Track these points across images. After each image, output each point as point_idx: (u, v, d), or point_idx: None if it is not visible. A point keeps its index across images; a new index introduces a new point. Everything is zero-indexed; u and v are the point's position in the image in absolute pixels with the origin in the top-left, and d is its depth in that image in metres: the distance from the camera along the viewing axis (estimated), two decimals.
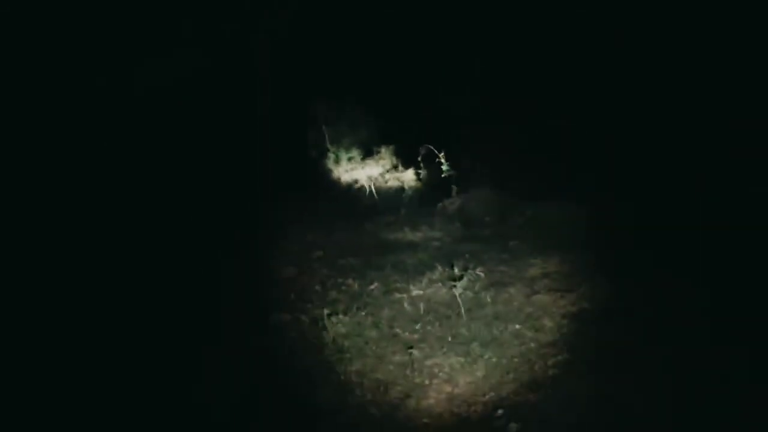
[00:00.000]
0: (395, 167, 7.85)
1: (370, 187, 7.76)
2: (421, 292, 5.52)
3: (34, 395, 4.21)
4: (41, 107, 6.42)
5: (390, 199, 7.41)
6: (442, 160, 7.19)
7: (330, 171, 8.11)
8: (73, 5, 6.75)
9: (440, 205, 7.19)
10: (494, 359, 4.64)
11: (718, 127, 6.36)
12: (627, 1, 7.35)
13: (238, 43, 7.84)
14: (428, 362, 4.66)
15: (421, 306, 5.31)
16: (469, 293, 5.42)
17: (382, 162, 7.91)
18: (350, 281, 5.78)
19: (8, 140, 6.10)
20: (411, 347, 4.79)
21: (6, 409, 4.04)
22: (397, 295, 5.50)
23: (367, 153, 8.17)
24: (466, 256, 6.05)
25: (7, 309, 4.81)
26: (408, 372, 4.58)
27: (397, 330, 5.04)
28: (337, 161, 8.17)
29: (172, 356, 4.73)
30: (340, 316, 5.20)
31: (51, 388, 4.31)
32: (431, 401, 4.31)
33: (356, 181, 7.92)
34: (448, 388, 4.41)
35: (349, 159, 8.16)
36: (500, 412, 4.12)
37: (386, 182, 7.71)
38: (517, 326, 4.96)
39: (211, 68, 7.58)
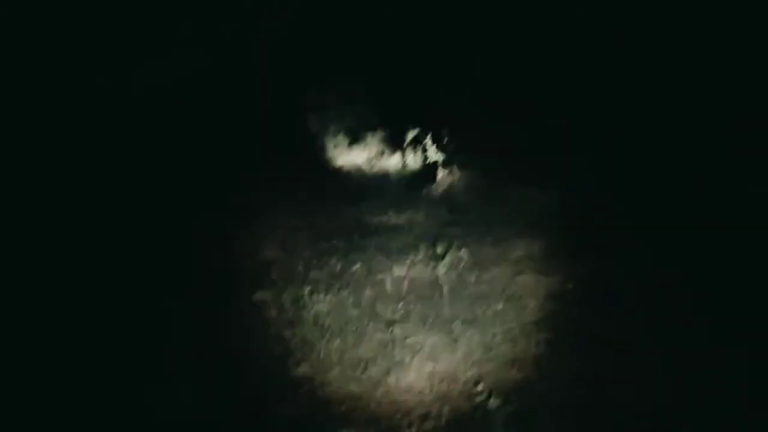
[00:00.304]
0: (381, 153, 7.79)
1: (356, 172, 7.70)
2: (403, 273, 5.48)
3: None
4: (41, 107, 6.36)
5: (375, 184, 7.36)
6: (429, 146, 7.15)
7: (316, 156, 8.03)
8: (73, 5, 6.70)
9: (425, 189, 7.14)
10: (476, 338, 4.61)
11: (718, 127, 6.33)
12: (627, 1, 7.32)
13: (238, 43, 7.81)
14: (409, 340, 4.63)
15: (404, 286, 5.27)
16: (452, 274, 5.39)
17: (368, 148, 7.85)
18: (333, 262, 5.73)
19: (8, 140, 6.03)
20: (392, 325, 4.76)
21: None
22: (380, 276, 5.45)
23: (354, 139, 8.11)
24: (450, 238, 6.01)
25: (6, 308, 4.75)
26: (389, 350, 4.55)
27: (379, 309, 5.00)
28: (323, 147, 8.10)
29: (148, 334, 4.68)
30: (322, 295, 5.16)
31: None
32: (412, 378, 4.29)
33: (342, 167, 7.86)
34: (429, 366, 4.38)
35: (335, 145, 8.09)
36: (480, 387, 4.10)
37: (372, 167, 7.66)
38: (500, 306, 4.94)
39: (211, 68, 7.55)
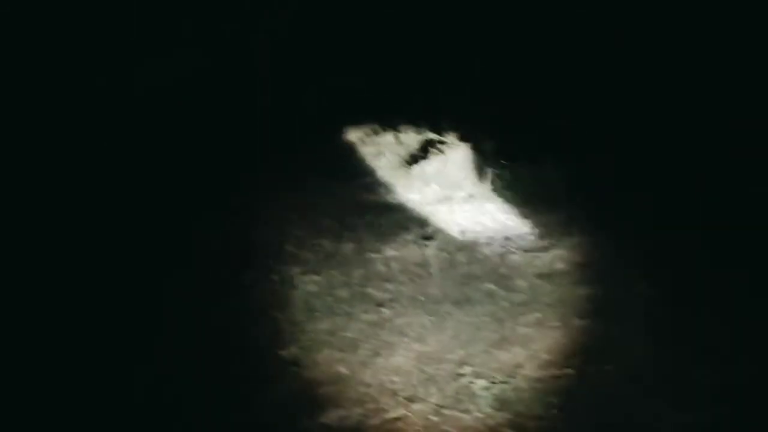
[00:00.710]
0: (374, 131, 7.75)
1: (348, 150, 7.67)
2: (394, 253, 5.46)
3: None
4: (41, 107, 6.35)
5: (368, 163, 7.33)
6: (422, 125, 7.13)
7: (309, 134, 8.00)
8: (73, 5, 6.66)
9: (418, 168, 7.12)
10: (465, 318, 4.62)
11: (718, 127, 6.28)
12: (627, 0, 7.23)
13: (238, 43, 7.79)
14: (398, 321, 4.63)
15: (394, 266, 5.27)
16: (443, 254, 5.39)
17: (361, 126, 7.81)
18: (323, 242, 5.71)
19: (8, 140, 6.03)
20: (381, 306, 4.76)
21: None
22: (370, 255, 5.44)
23: (348, 118, 8.07)
24: (441, 217, 6.00)
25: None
26: (378, 330, 4.55)
27: (369, 289, 5.00)
28: (316, 125, 8.06)
29: (140, 314, 4.69)
30: (312, 276, 5.16)
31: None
32: (400, 359, 4.30)
33: (334, 145, 7.82)
34: (417, 347, 4.39)
35: (328, 123, 8.05)
36: (467, 369, 4.11)
37: (365, 145, 7.62)
38: (489, 286, 4.94)
39: (211, 68, 7.54)
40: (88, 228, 5.67)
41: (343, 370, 4.26)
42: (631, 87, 6.95)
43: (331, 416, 3.90)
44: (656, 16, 7.01)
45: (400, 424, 3.83)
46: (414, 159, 7.26)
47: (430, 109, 7.37)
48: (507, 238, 5.57)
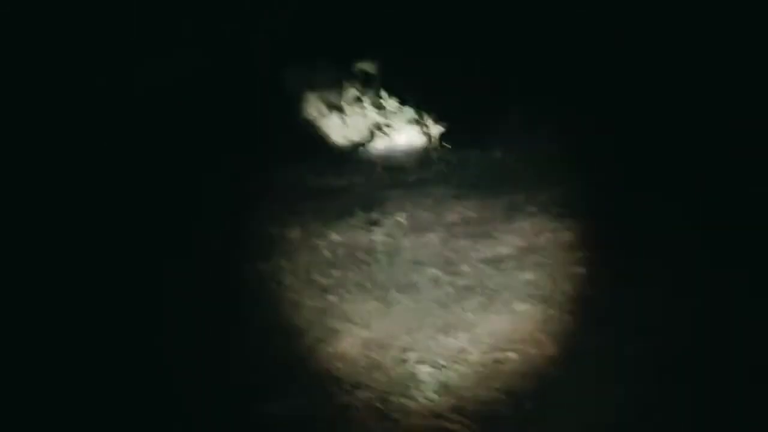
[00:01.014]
0: (320, 112, 7.69)
1: (296, 134, 7.61)
2: (340, 238, 5.46)
3: None
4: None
5: (313, 145, 7.29)
6: (368, 105, 7.11)
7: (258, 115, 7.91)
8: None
9: (364, 151, 7.12)
10: (411, 304, 4.65)
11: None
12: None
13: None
14: (344, 307, 4.64)
15: (340, 252, 5.26)
16: (389, 239, 5.40)
17: (305, 107, 7.75)
18: (269, 228, 5.67)
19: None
20: (327, 292, 4.76)
21: None
22: (316, 241, 5.43)
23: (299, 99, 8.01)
24: (387, 202, 6.01)
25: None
26: (323, 318, 4.55)
27: (315, 276, 4.99)
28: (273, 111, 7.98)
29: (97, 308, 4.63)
30: (257, 262, 5.12)
31: None
32: (346, 346, 4.30)
33: (285, 129, 7.74)
34: (363, 333, 4.39)
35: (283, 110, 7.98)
36: (412, 355, 4.14)
37: (309, 128, 7.57)
38: (435, 271, 4.98)
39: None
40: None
41: (288, 357, 4.24)
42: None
43: (277, 405, 3.89)
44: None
45: (345, 412, 3.84)
46: (360, 142, 7.26)
47: (379, 91, 7.36)
48: (452, 223, 5.62)
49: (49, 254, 5.25)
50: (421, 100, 7.20)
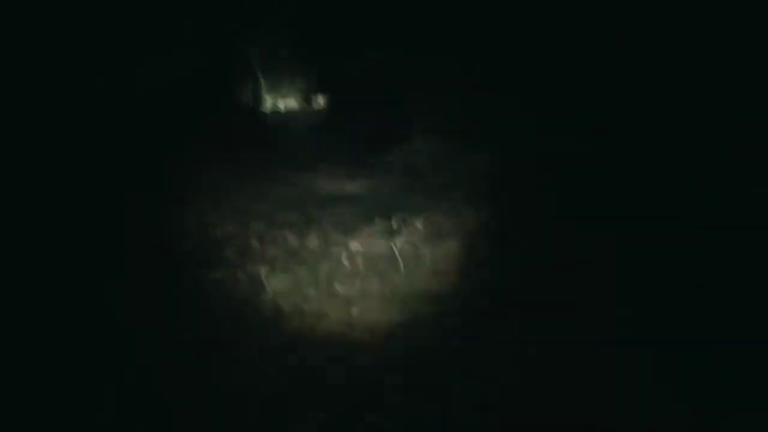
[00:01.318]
0: (335, 118, 7.70)
1: (308, 138, 7.63)
2: (360, 247, 5.47)
3: None
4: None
5: (329, 151, 7.28)
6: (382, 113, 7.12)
7: (267, 122, 7.94)
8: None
9: (381, 156, 7.11)
10: (432, 313, 4.66)
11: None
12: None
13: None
14: (367, 319, 4.66)
15: (360, 261, 5.27)
16: (408, 247, 5.41)
17: (321, 113, 7.77)
18: (288, 237, 5.68)
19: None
20: (350, 305, 4.77)
21: None
22: (336, 251, 5.44)
23: (305, 103, 8.04)
24: (405, 208, 6.00)
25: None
26: (347, 329, 4.57)
27: (336, 287, 5.00)
28: (275, 111, 8.01)
29: (107, 317, 4.64)
30: (279, 274, 5.13)
31: None
32: (370, 358, 4.32)
33: (295, 133, 7.77)
34: (386, 344, 4.42)
35: (286, 109, 8.01)
36: (438, 368, 4.17)
37: (326, 134, 7.58)
38: (455, 279, 4.99)
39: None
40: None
41: (313, 369, 4.27)
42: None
43: (307, 419, 3.92)
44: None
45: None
46: (376, 147, 7.25)
47: (395, 99, 7.35)
48: (471, 230, 5.63)
49: (47, 251, 5.28)
50: (441, 107, 7.18)
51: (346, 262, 5.26)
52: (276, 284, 5.04)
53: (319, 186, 6.66)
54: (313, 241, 5.53)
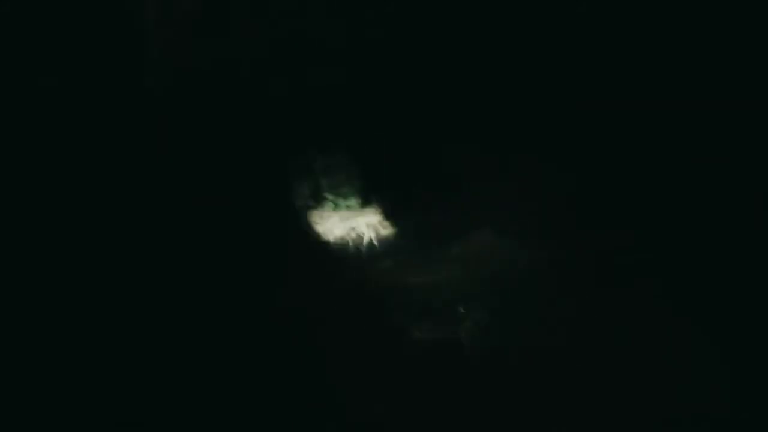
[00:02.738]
0: (394, 214, 7.84)
1: (369, 234, 7.75)
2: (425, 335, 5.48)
3: None
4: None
5: (390, 245, 7.38)
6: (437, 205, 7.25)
7: (329, 220, 8.10)
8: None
9: (441, 249, 7.17)
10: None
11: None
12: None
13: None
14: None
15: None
16: (475, 336, 5.41)
17: (380, 209, 7.92)
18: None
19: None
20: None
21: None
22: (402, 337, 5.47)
23: (365, 200, 8.20)
24: (469, 299, 6.01)
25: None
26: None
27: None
28: (335, 209, 8.18)
29: None
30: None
31: None
32: None
33: (355, 229, 7.90)
34: None
35: (348, 207, 8.18)
36: None
37: (385, 229, 7.70)
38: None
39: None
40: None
41: None
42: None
43: None
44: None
45: None
46: (436, 240, 7.33)
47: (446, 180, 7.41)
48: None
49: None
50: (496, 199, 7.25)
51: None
52: None
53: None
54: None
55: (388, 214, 7.79)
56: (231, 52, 7.20)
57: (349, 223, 7.90)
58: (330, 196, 8.09)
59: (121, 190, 6.12)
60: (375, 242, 7.47)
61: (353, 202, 8.09)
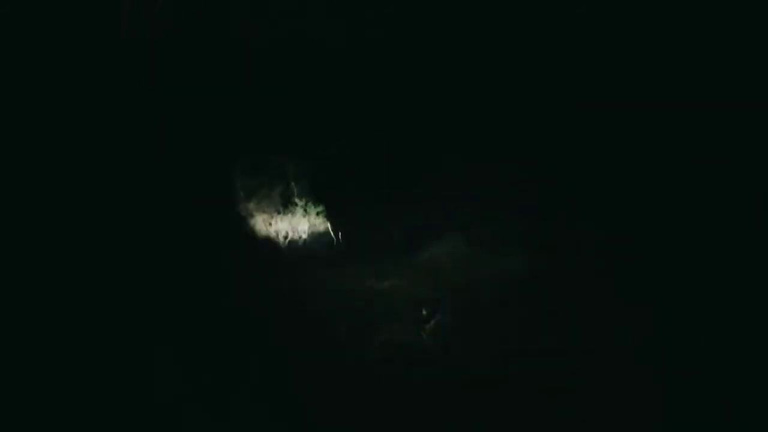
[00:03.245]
0: (364, 219, 7.87)
1: (337, 239, 7.76)
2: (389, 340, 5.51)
3: None
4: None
5: (356, 250, 7.40)
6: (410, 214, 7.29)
7: (298, 224, 8.11)
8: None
9: (408, 255, 7.21)
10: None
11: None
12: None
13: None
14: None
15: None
16: (438, 341, 5.45)
17: (349, 214, 7.94)
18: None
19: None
20: None
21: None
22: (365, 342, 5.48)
23: (335, 207, 8.21)
24: (433, 304, 6.05)
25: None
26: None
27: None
28: (305, 215, 8.18)
29: None
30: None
31: None
32: None
33: (325, 234, 7.91)
34: None
35: (318, 213, 8.19)
36: None
37: (353, 234, 7.72)
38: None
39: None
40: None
41: None
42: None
43: None
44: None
45: None
46: (403, 247, 7.37)
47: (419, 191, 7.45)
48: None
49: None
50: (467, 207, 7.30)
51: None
52: None
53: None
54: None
55: (358, 220, 7.82)
56: (231, 52, 7.31)
57: (317, 229, 7.92)
58: (300, 202, 8.10)
59: (101, 190, 6.17)
60: (343, 247, 7.50)
61: (323, 208, 8.10)
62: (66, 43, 6.36)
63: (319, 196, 8.15)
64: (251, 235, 7.37)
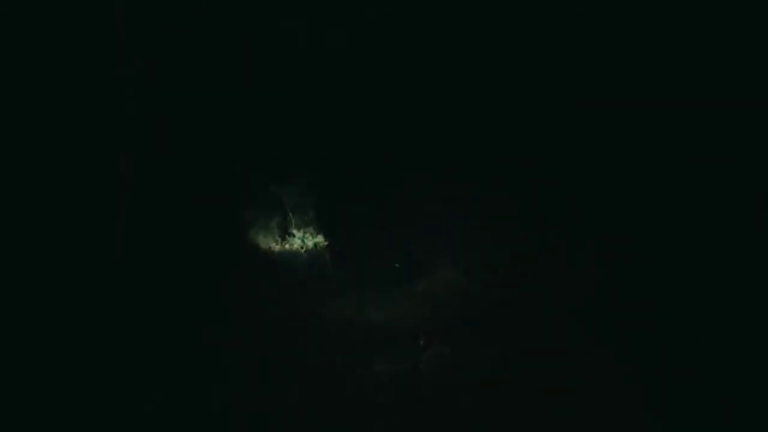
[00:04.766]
0: (362, 251, 7.87)
1: (334, 269, 7.75)
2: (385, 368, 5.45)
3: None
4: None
5: (353, 280, 7.38)
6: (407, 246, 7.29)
7: (295, 256, 8.10)
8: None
9: (406, 286, 7.19)
10: None
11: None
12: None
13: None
14: None
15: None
16: (435, 370, 5.39)
17: (347, 245, 7.93)
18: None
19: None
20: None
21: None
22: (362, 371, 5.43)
23: (331, 238, 8.21)
24: (430, 334, 6.00)
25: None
26: None
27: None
28: (302, 246, 8.18)
29: None
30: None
31: None
32: None
33: (321, 265, 7.91)
34: None
35: (315, 245, 8.19)
36: None
37: (353, 265, 7.71)
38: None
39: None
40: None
41: None
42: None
43: None
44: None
45: None
46: (401, 278, 7.35)
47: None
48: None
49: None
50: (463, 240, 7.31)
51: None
52: None
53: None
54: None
55: (353, 250, 7.81)
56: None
57: (314, 260, 7.92)
58: (298, 233, 8.11)
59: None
60: (341, 277, 7.48)
61: (320, 239, 8.12)
62: (66, 43, 6.39)
63: (316, 227, 8.18)
64: (249, 265, 7.37)
